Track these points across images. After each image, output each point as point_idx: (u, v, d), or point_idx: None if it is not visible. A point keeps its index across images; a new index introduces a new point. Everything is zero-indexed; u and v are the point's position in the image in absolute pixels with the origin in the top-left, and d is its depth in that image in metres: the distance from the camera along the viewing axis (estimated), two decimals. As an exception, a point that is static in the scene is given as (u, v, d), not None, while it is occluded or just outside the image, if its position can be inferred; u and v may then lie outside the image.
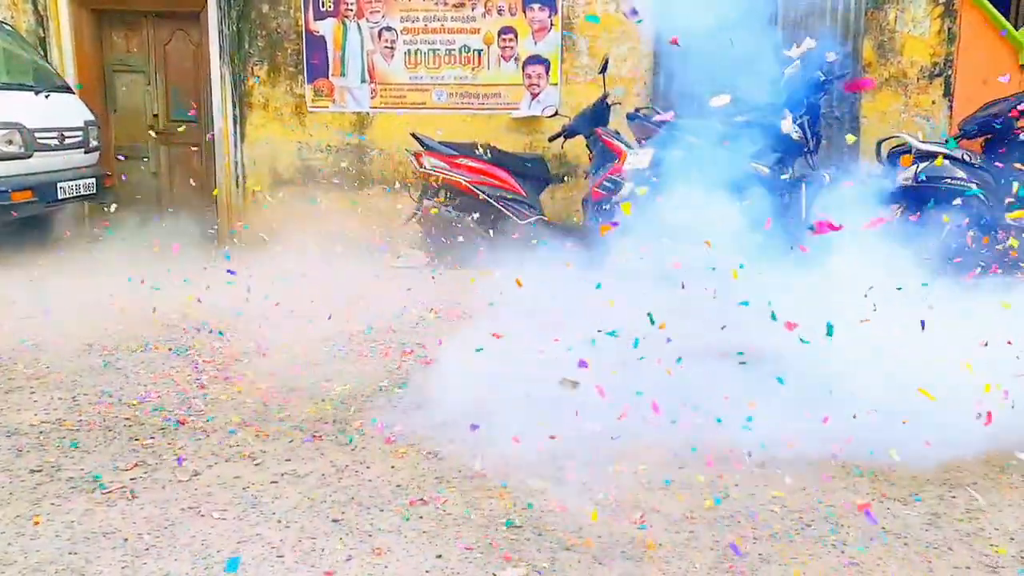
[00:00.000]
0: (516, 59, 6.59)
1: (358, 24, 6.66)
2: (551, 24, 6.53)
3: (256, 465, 2.47)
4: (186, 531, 2.07)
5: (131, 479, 2.36)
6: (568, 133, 5.97)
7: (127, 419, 2.83)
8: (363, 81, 6.74)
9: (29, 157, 5.66)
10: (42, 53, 6.64)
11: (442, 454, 2.55)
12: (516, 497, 2.27)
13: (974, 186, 5.36)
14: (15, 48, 6.19)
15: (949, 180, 5.39)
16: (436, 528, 2.10)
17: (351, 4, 6.64)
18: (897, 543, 2.05)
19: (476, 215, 5.81)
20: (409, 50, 6.66)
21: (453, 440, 2.62)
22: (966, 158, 5.43)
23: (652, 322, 2.91)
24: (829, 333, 2.61)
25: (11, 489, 2.30)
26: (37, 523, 2.10)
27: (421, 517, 2.15)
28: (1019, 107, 5.38)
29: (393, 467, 2.46)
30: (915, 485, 2.37)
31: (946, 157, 5.42)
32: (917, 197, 5.33)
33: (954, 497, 2.30)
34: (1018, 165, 5.20)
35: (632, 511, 2.20)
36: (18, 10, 6.80)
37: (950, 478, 2.42)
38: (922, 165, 5.44)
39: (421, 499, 2.25)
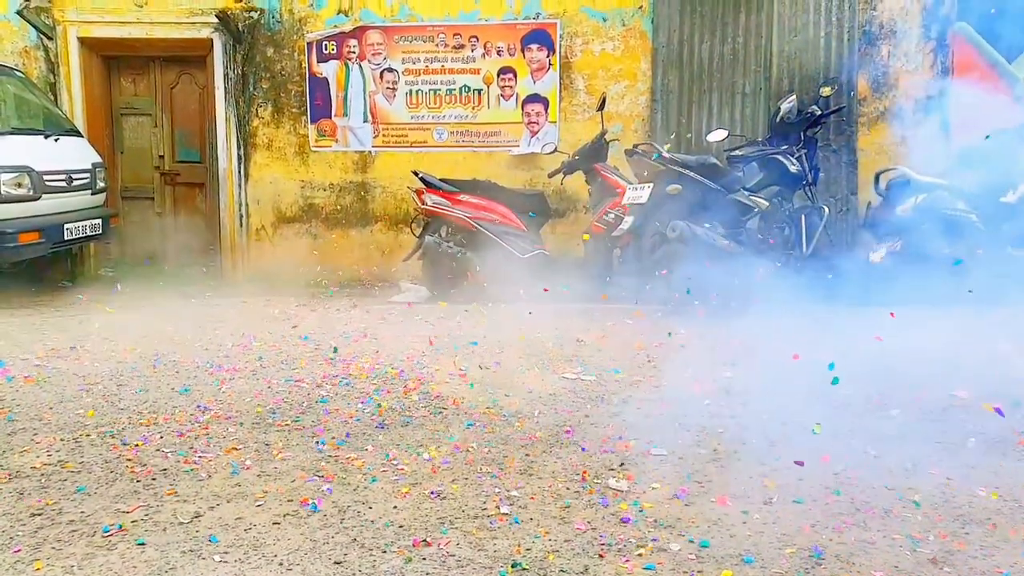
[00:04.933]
0: (515, 98, 6.71)
1: (360, 66, 6.80)
2: (549, 64, 6.66)
3: (258, 506, 2.45)
4: None
5: (132, 522, 2.34)
6: (568, 169, 6.05)
7: (129, 460, 2.81)
8: (365, 121, 6.85)
9: (37, 199, 5.74)
10: (52, 98, 6.77)
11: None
12: (522, 538, 2.24)
13: (974, 216, 5.40)
14: (26, 94, 6.33)
15: (949, 211, 5.43)
16: (439, 570, 2.07)
17: (354, 47, 6.78)
18: None
19: (477, 250, 5.84)
20: (411, 90, 6.78)
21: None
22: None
23: None
24: None
25: (12, 534, 2.28)
26: (38, 568, 2.08)
27: (424, 559, 2.13)
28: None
29: (395, 507, 2.44)
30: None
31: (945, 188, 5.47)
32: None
33: (967, 534, 2.27)
34: None
35: (638, 550, 2.17)
36: (30, 57, 6.96)
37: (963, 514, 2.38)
38: (921, 196, 5.49)
39: (424, 540, 2.22)
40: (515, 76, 6.68)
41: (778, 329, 4.46)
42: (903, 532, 2.27)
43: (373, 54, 6.77)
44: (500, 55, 6.68)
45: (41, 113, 6.33)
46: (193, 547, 2.19)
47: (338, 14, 6.75)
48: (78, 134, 6.50)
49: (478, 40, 6.67)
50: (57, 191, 5.91)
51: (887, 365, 3.70)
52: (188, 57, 7.10)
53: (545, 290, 5.13)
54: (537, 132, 6.70)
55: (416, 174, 6.06)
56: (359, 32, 6.75)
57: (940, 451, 2.84)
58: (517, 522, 2.33)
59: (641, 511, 2.39)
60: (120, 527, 2.30)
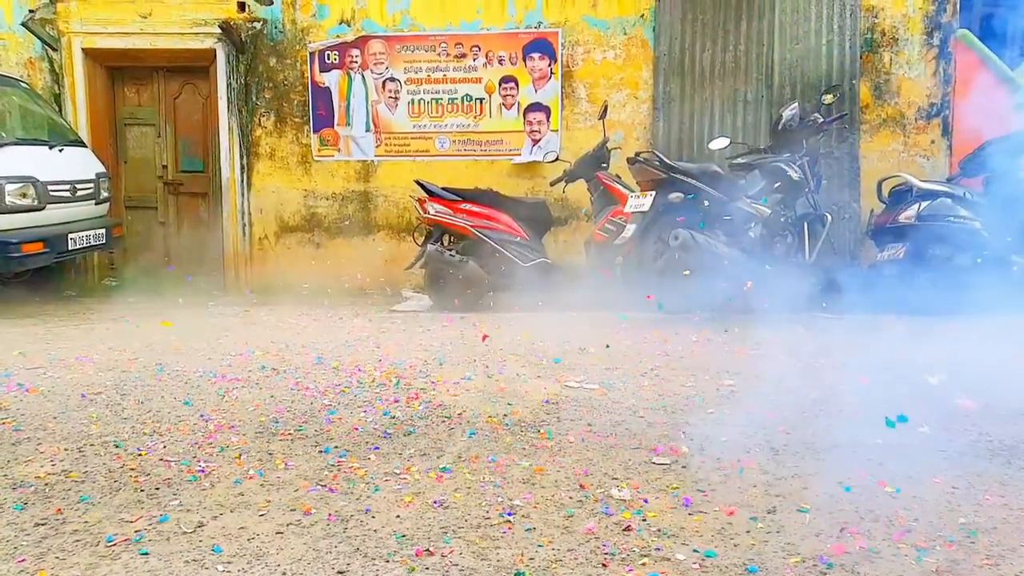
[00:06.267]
0: (517, 107, 6.73)
1: (363, 75, 6.83)
2: (551, 72, 6.68)
3: (261, 516, 2.45)
4: (190, 586, 2.04)
5: (136, 531, 2.34)
6: (569, 178, 6.06)
7: (132, 470, 2.82)
8: (368, 130, 6.88)
9: (41, 209, 5.76)
10: (57, 109, 6.81)
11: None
12: (525, 547, 2.24)
13: (977, 224, 5.39)
14: (31, 105, 6.37)
15: (952, 218, 5.43)
16: (443, 580, 2.06)
17: (356, 56, 6.82)
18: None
19: (479, 258, 5.85)
20: (413, 100, 6.81)
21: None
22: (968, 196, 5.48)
23: None
24: None
25: (16, 543, 2.28)
26: (40, 579, 2.08)
27: (427, 568, 2.12)
28: None
29: (398, 517, 2.43)
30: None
31: (948, 195, 5.47)
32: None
33: (972, 543, 2.26)
34: None
35: (641, 559, 2.16)
36: (35, 68, 7.01)
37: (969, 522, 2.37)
38: (924, 203, 5.49)
39: (427, 549, 2.22)
40: (517, 85, 6.71)
41: (781, 334, 4.47)
42: (908, 542, 2.25)
43: (375, 64, 6.81)
44: (502, 64, 6.71)
45: (45, 123, 6.37)
46: (196, 557, 2.19)
47: (340, 24, 6.79)
48: (82, 144, 6.54)
49: (480, 49, 6.70)
50: (61, 201, 5.94)
51: (895, 374, 3.70)
52: (191, 67, 7.15)
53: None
54: (539, 141, 6.72)
55: (419, 183, 6.08)
56: (361, 42, 6.79)
57: (944, 459, 2.83)
58: (529, 529, 2.32)
59: (644, 520, 2.39)
60: (137, 540, 2.30)
